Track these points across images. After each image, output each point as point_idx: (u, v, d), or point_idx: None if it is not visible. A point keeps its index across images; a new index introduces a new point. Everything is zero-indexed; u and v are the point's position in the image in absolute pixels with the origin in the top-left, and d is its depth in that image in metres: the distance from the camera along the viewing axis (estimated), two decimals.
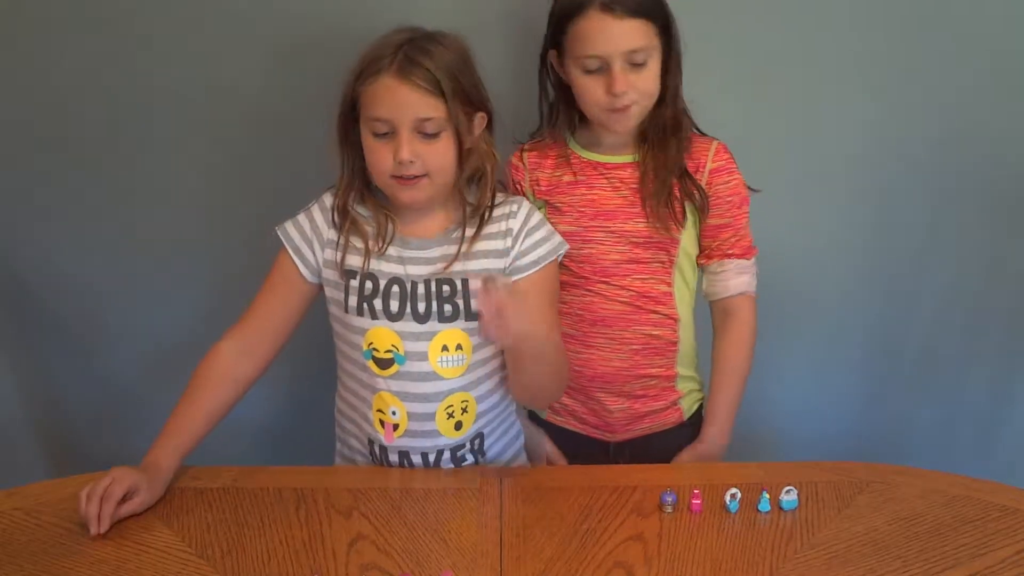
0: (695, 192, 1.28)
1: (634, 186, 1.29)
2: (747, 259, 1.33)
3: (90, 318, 1.63)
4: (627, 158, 1.30)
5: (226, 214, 1.57)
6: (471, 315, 1.17)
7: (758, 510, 1.08)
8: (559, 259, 1.24)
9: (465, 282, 1.17)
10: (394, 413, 1.19)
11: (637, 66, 1.20)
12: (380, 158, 1.13)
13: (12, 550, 1.01)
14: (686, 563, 0.99)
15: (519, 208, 1.21)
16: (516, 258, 1.19)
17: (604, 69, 1.20)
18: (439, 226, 1.20)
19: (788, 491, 1.09)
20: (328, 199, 1.23)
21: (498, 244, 1.19)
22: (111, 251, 1.58)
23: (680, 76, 1.27)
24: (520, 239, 1.19)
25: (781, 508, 1.08)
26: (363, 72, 1.11)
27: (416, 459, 1.21)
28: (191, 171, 1.55)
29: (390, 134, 1.12)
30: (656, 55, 1.22)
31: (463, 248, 1.18)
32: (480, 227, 1.19)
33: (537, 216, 1.23)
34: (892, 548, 1.01)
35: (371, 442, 1.23)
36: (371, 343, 1.19)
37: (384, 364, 1.19)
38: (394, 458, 1.22)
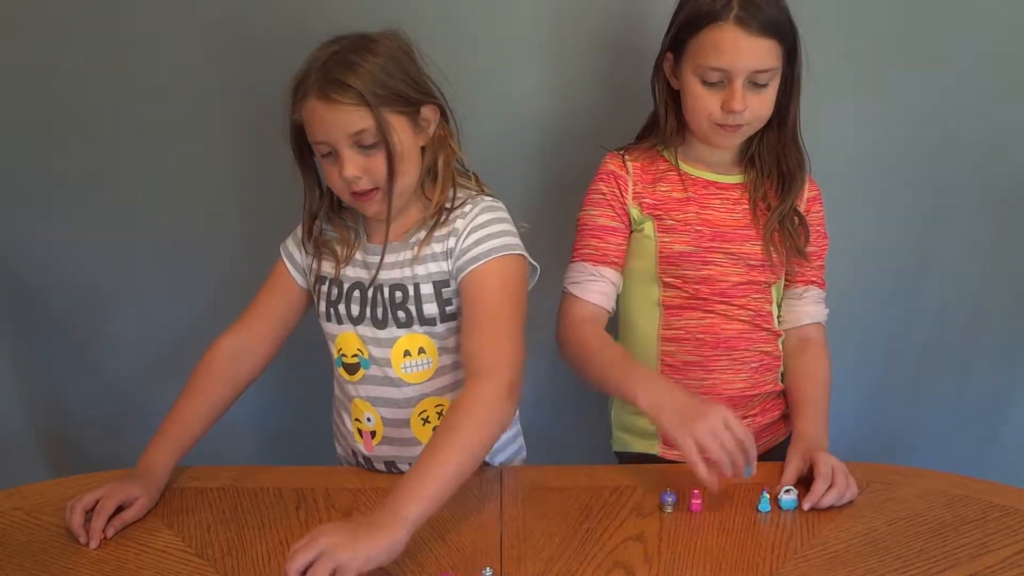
0: (795, 219, 1.27)
1: (746, 206, 1.27)
2: (823, 290, 1.34)
3: (90, 318, 1.63)
4: (735, 178, 1.28)
5: (226, 214, 1.57)
6: (425, 320, 1.15)
7: (758, 510, 1.08)
8: (525, 260, 1.14)
9: (416, 287, 1.14)
10: (369, 420, 1.19)
11: (758, 87, 1.17)
12: (332, 179, 1.12)
13: (12, 550, 1.01)
14: (686, 563, 0.98)
15: (472, 208, 1.14)
16: (459, 256, 1.12)
17: (724, 83, 1.17)
18: (400, 231, 1.17)
19: (788, 491, 1.09)
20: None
21: (442, 247, 1.14)
22: (111, 251, 1.58)
23: (798, 103, 1.24)
24: (463, 237, 1.12)
25: (781, 508, 1.08)
26: (293, 97, 1.10)
27: (404, 468, 1.20)
28: (191, 171, 1.55)
29: (333, 154, 1.10)
30: (777, 78, 1.19)
31: (416, 252, 1.14)
32: (433, 229, 1.14)
33: (488, 215, 1.14)
34: (892, 548, 1.01)
35: (355, 454, 1.24)
36: (340, 348, 1.19)
37: (351, 369, 1.19)
38: (380, 468, 1.22)
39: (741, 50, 1.15)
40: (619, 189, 1.27)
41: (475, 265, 1.11)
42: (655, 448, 1.31)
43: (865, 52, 1.49)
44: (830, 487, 1.08)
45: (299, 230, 1.23)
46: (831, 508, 1.08)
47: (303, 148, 1.15)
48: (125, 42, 1.47)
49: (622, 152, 1.30)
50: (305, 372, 1.58)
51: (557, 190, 1.51)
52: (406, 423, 1.18)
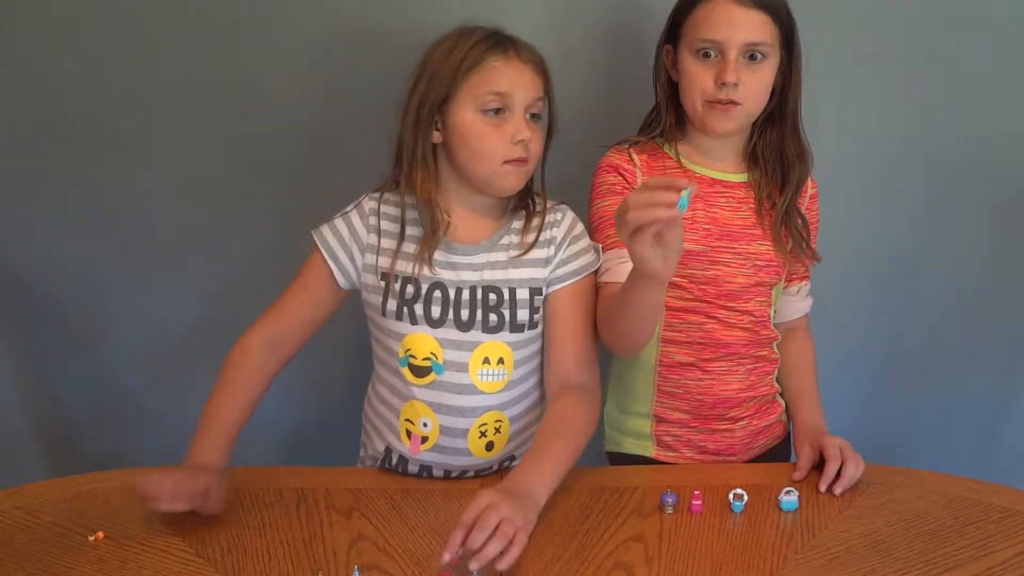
0: (799, 220, 1.28)
1: (751, 206, 1.27)
2: (809, 282, 1.36)
3: (90, 317, 1.63)
4: (741, 177, 1.28)
5: (228, 214, 1.56)
6: (516, 326, 1.15)
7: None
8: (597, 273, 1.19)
9: (512, 291, 1.15)
10: (425, 425, 1.17)
11: (752, 63, 1.18)
12: (495, 139, 1.10)
13: (12, 549, 1.01)
14: (687, 564, 0.99)
15: (563, 216, 1.19)
16: (557, 266, 1.16)
17: (718, 58, 1.17)
18: (486, 232, 1.17)
19: (788, 492, 1.09)
20: (369, 203, 1.19)
21: (542, 253, 1.16)
22: (111, 250, 1.58)
23: (798, 95, 1.24)
24: (563, 247, 1.17)
25: (781, 509, 1.08)
26: (471, 48, 1.09)
27: (438, 474, 1.19)
28: (192, 171, 1.54)
29: (503, 112, 1.10)
30: (773, 59, 1.19)
31: (517, 255, 1.15)
32: (524, 233, 1.16)
33: (580, 226, 1.20)
34: (893, 549, 1.01)
35: (389, 451, 1.20)
36: (408, 349, 1.15)
37: (421, 372, 1.15)
38: (413, 469, 1.19)
39: (735, 21, 1.16)
40: (624, 180, 1.26)
41: (578, 278, 1.17)
42: (648, 450, 1.31)
43: (866, 51, 1.49)
44: (843, 465, 1.11)
45: (340, 224, 1.18)
46: (830, 508, 1.08)
47: (429, 126, 1.12)
48: (124, 42, 1.47)
49: (627, 146, 1.28)
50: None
51: (555, 190, 1.51)
52: (464, 434, 1.16)
